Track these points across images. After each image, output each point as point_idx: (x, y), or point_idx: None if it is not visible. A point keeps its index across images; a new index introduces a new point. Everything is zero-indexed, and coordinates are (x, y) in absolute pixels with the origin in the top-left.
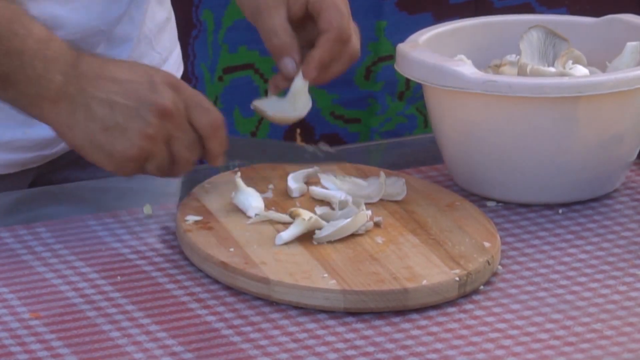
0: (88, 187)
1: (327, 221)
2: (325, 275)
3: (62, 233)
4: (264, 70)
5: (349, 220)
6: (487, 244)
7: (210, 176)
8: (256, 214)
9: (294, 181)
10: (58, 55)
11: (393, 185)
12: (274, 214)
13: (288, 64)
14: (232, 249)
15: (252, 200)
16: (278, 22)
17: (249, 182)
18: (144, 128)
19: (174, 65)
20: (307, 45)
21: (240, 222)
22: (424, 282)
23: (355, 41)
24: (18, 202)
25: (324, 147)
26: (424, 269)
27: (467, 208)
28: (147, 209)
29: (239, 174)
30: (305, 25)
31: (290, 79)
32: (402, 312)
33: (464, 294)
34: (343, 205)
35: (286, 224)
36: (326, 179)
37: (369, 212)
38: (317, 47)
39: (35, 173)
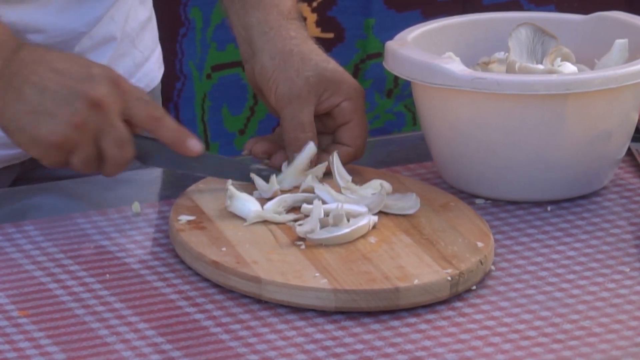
0: (75, 183)
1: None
2: (317, 274)
3: (50, 231)
4: None
5: (347, 231)
6: (480, 244)
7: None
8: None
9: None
10: (0, 41)
11: (403, 199)
12: (277, 216)
13: (304, 158)
14: (224, 249)
15: (250, 204)
16: (306, 114)
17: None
18: (71, 116)
19: (155, 64)
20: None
21: (233, 222)
22: (416, 281)
23: None
24: (1, 198)
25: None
26: (416, 268)
27: (461, 208)
28: (135, 207)
29: (230, 181)
30: (323, 118)
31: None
32: (391, 310)
33: (456, 293)
34: (337, 220)
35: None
36: (321, 190)
37: (375, 219)
38: (342, 156)
39: (19, 170)
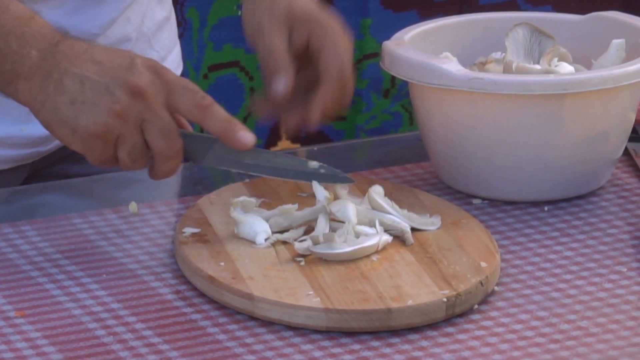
0: (85, 181)
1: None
2: (311, 292)
3: (47, 231)
4: (250, 68)
5: (348, 249)
6: (483, 264)
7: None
8: (266, 239)
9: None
10: (37, 34)
11: (428, 218)
12: (285, 235)
13: (280, 83)
14: (222, 263)
15: (257, 226)
16: (277, 43)
17: (258, 193)
18: (111, 104)
19: (173, 63)
20: (304, 86)
21: (238, 236)
22: (410, 302)
23: (352, 79)
24: (14, 196)
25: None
26: (412, 288)
27: (472, 226)
28: (132, 207)
29: (232, 208)
30: (304, 65)
31: (276, 101)
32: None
33: (453, 315)
34: (327, 239)
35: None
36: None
37: (388, 239)
38: (319, 93)
39: (30, 168)
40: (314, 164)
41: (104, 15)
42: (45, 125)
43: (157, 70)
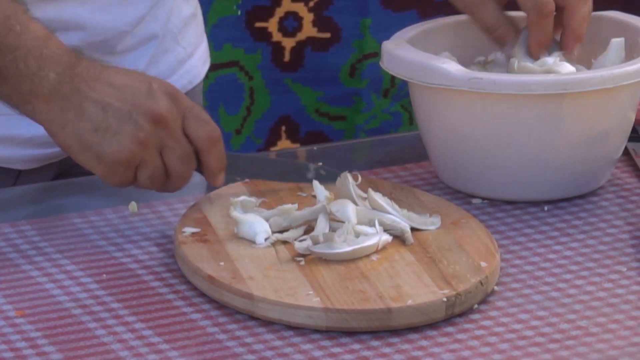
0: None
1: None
2: (311, 292)
3: (46, 231)
4: (249, 68)
5: (348, 249)
6: (483, 264)
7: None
8: (266, 238)
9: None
10: (55, 55)
11: (427, 218)
12: (285, 235)
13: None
14: (222, 263)
15: (257, 226)
16: (489, 15)
17: (258, 193)
18: (136, 132)
19: (200, 59)
20: None
21: (237, 235)
22: (409, 302)
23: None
24: (41, 193)
25: (325, 168)
26: (412, 288)
27: (472, 226)
28: (132, 207)
29: (232, 207)
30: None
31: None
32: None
33: (453, 315)
34: (327, 239)
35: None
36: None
37: (388, 239)
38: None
39: (57, 167)
40: (314, 166)
41: (132, 12)
42: (66, 148)
43: (174, 95)
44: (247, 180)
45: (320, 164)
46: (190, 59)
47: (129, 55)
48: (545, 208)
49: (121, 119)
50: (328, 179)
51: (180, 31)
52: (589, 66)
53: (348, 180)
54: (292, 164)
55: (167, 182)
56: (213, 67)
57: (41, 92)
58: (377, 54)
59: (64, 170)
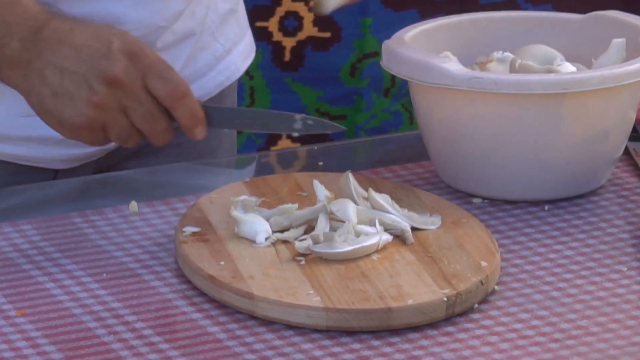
0: (135, 176)
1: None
2: (311, 292)
3: (47, 230)
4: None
5: (349, 249)
6: (484, 264)
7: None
8: (266, 238)
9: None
10: (20, 20)
11: (428, 217)
12: (286, 234)
13: None
14: (222, 263)
15: (258, 225)
16: None
17: (258, 192)
18: (90, 96)
19: (239, 56)
20: None
21: (238, 235)
22: (410, 301)
23: None
24: (79, 189)
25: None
26: (413, 287)
27: (472, 225)
28: (132, 207)
29: (232, 207)
30: None
31: None
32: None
33: (453, 314)
34: (327, 238)
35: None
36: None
37: (389, 238)
38: None
39: (95, 166)
40: (301, 115)
41: (170, 8)
42: (36, 113)
43: (134, 54)
44: (247, 180)
45: (321, 164)
46: (228, 55)
47: (167, 52)
48: (546, 207)
49: (77, 84)
50: (316, 128)
51: (217, 27)
52: (589, 66)
53: (349, 179)
54: (278, 115)
55: (146, 139)
56: None
57: (4, 60)
58: (377, 54)
59: (101, 168)
